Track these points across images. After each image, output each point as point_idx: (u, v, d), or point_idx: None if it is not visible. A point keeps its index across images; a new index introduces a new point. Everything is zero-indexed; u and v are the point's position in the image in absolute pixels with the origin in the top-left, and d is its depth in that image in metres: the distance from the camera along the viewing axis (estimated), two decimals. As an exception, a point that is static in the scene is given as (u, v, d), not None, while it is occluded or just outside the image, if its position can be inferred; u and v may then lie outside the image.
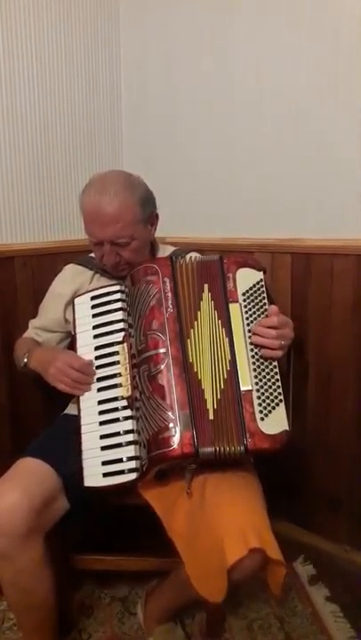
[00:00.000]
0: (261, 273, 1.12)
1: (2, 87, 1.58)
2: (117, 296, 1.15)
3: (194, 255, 1.24)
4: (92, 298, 1.18)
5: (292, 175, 1.59)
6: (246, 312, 1.08)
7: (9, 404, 1.69)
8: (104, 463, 1.06)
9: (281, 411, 1.03)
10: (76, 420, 1.12)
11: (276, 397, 1.03)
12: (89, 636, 1.37)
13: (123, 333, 1.12)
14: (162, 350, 1.05)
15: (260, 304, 1.09)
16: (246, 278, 1.11)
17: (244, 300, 1.09)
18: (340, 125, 1.49)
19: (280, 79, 1.56)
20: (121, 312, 1.13)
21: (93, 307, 1.17)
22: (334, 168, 1.52)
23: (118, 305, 1.14)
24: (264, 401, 1.02)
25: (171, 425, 1.00)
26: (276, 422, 1.01)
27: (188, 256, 1.22)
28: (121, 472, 1.04)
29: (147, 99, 1.83)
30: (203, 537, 1.00)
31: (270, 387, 1.04)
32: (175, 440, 0.99)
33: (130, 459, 1.04)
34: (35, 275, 1.68)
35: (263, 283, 1.11)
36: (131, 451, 1.05)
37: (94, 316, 1.16)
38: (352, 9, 1.41)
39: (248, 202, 1.69)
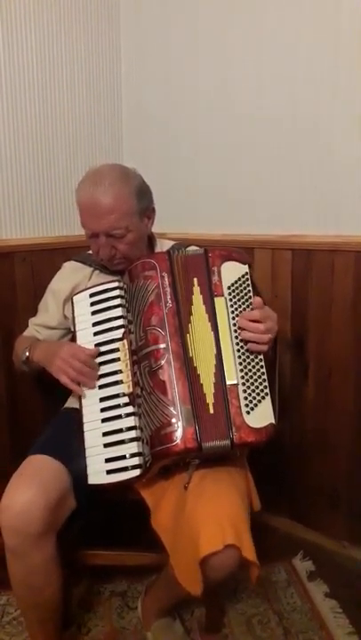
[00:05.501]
0: (246, 266, 1.12)
1: (2, 83, 1.58)
2: (116, 292, 1.15)
3: (190, 249, 1.24)
4: (91, 295, 1.18)
5: (292, 171, 1.59)
6: (232, 306, 1.08)
7: (8, 400, 1.69)
8: (107, 460, 1.06)
9: (267, 404, 1.03)
10: (78, 415, 1.12)
11: (261, 391, 1.03)
12: (88, 631, 1.37)
13: (122, 330, 1.12)
14: (162, 345, 1.04)
15: (246, 297, 1.08)
16: (231, 272, 1.10)
17: (230, 294, 1.08)
18: (340, 121, 1.48)
19: (279, 77, 1.56)
20: (120, 308, 1.13)
21: (92, 304, 1.17)
22: (335, 164, 1.51)
23: (117, 301, 1.14)
24: (250, 395, 1.02)
25: (173, 420, 1.00)
26: (262, 416, 1.02)
27: (182, 250, 1.21)
28: (125, 469, 1.04)
29: (147, 97, 1.82)
30: (183, 528, 1.00)
31: (256, 380, 1.04)
32: (178, 435, 0.99)
33: (133, 455, 1.04)
34: (34, 270, 1.68)
35: (248, 276, 1.10)
36: (134, 447, 1.05)
37: (93, 313, 1.16)
38: (352, 6, 1.41)
39: (248, 198, 1.68)
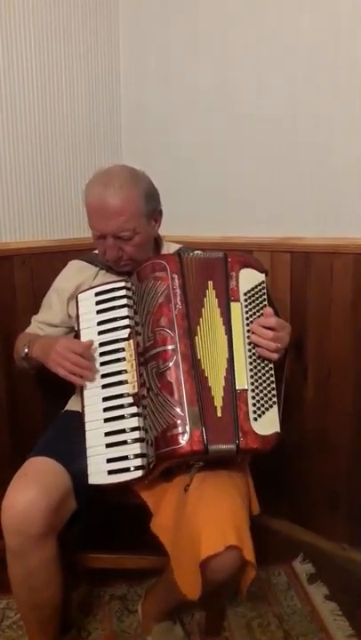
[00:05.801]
0: (263, 275, 1.12)
1: (1, 83, 1.57)
2: (122, 292, 1.14)
3: (199, 252, 1.24)
4: (97, 294, 1.17)
5: (292, 171, 1.58)
6: (247, 312, 1.08)
7: (8, 400, 1.68)
8: (109, 460, 1.05)
9: (274, 412, 1.03)
10: (80, 417, 1.11)
11: (270, 399, 1.04)
12: (88, 634, 1.37)
13: (128, 330, 1.11)
14: (170, 347, 1.04)
15: (261, 306, 1.09)
16: (249, 278, 1.11)
17: (246, 301, 1.09)
18: (340, 121, 1.48)
19: (279, 77, 1.55)
20: (126, 308, 1.13)
21: (98, 302, 1.16)
22: (334, 166, 1.51)
23: (124, 301, 1.13)
24: (258, 401, 1.03)
25: (179, 422, 0.99)
26: (268, 423, 1.02)
27: (192, 253, 1.21)
28: (127, 469, 1.04)
29: (147, 96, 1.81)
30: (184, 530, 1.00)
31: (265, 388, 1.04)
32: (184, 437, 0.98)
33: (136, 456, 1.04)
34: (34, 273, 1.67)
35: (265, 285, 1.11)
36: (137, 448, 1.04)
37: (99, 312, 1.15)
38: (352, 6, 1.40)
39: (247, 200, 1.68)
